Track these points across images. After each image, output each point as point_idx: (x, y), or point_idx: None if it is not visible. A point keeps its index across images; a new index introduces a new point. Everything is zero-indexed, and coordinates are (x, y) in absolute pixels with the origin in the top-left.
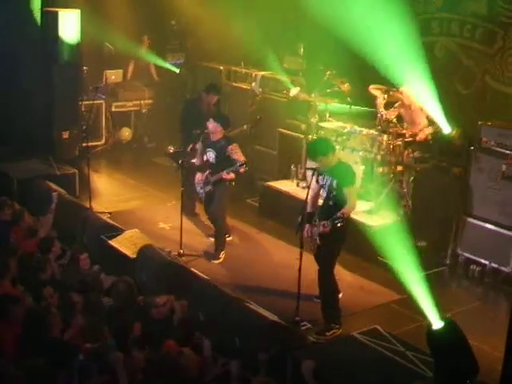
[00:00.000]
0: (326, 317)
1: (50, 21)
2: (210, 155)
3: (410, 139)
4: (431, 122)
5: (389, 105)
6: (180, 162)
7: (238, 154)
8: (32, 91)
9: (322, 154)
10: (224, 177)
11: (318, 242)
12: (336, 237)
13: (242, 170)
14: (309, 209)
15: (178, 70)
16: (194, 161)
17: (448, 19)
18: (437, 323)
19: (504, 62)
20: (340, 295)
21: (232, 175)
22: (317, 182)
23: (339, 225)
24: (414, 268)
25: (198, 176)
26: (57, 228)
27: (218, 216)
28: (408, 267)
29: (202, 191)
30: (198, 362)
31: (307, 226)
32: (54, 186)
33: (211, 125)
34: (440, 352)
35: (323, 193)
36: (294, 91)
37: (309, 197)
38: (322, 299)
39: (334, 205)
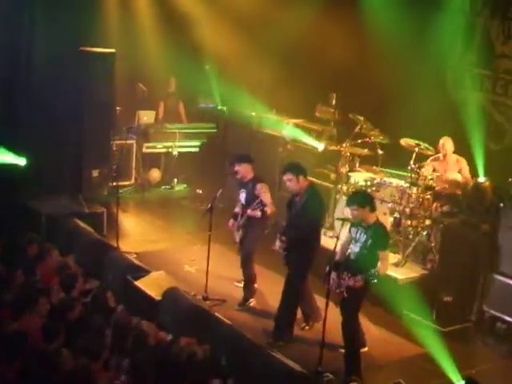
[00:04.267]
0: (348, 368)
1: (85, 60)
2: (243, 196)
3: (439, 188)
4: (463, 177)
5: (421, 157)
6: (209, 206)
7: (265, 195)
8: (64, 129)
9: (358, 204)
10: (250, 213)
11: (344, 294)
12: (364, 291)
13: (268, 210)
14: (337, 257)
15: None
16: (235, 210)
17: (481, 75)
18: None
19: None
20: (365, 349)
21: (258, 213)
22: (350, 232)
23: (374, 281)
24: (439, 323)
25: (230, 222)
26: (83, 266)
27: (247, 262)
28: (433, 322)
29: (237, 234)
30: None
31: (333, 273)
32: (82, 223)
33: (240, 168)
34: None
35: (354, 246)
36: (320, 147)
37: (339, 246)
38: (345, 350)
39: (363, 262)
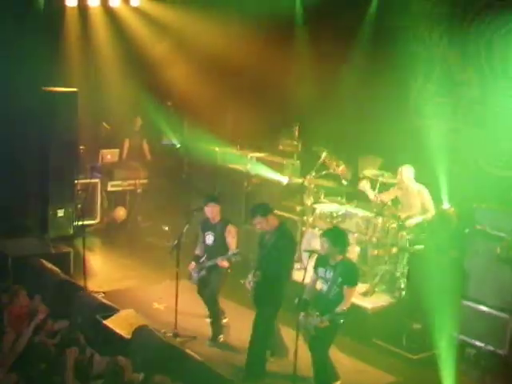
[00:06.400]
0: None
1: (48, 99)
2: (210, 238)
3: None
4: (424, 209)
5: (385, 186)
6: (175, 242)
7: (233, 240)
8: (28, 169)
9: (336, 247)
10: (219, 263)
11: (313, 332)
12: (333, 329)
13: (234, 259)
14: (305, 295)
15: (178, 145)
16: (196, 252)
17: (441, 103)
18: None
19: (496, 145)
20: (338, 382)
21: (225, 263)
22: (315, 272)
23: (341, 321)
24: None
25: (192, 265)
26: (50, 307)
27: (213, 301)
28: (403, 350)
29: (195, 275)
30: None
31: (302, 314)
32: (48, 264)
33: (210, 209)
34: None
35: (323, 286)
36: (284, 180)
37: (307, 284)
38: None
39: (335, 300)
